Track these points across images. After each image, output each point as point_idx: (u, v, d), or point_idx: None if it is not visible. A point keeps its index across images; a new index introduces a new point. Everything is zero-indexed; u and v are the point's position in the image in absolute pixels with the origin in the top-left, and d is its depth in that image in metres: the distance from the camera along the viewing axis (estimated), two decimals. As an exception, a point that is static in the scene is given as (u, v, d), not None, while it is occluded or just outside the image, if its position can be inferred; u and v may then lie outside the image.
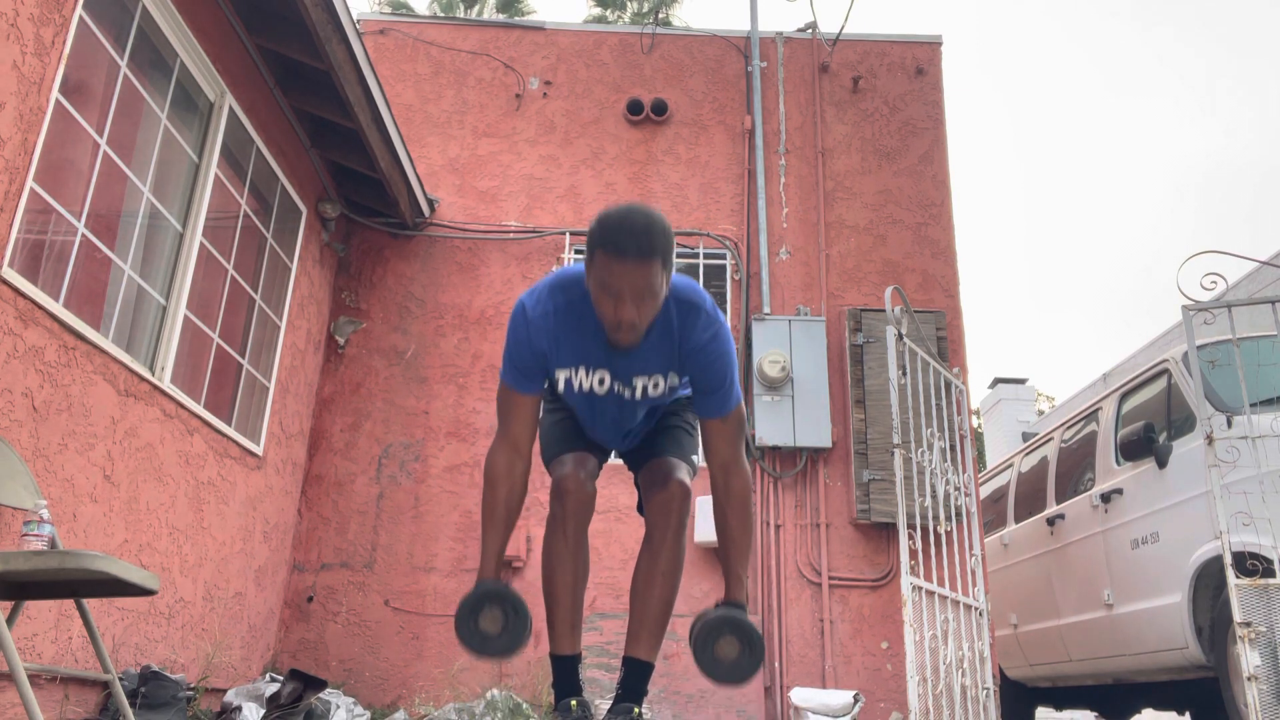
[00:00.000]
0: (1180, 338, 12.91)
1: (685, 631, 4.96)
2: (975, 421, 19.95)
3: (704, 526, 5.19)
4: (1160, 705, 5.69)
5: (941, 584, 4.89)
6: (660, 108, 6.46)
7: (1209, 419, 3.82)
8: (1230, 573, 3.58)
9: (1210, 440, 3.73)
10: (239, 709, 3.92)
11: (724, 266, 6.15)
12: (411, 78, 6.57)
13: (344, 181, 5.87)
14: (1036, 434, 8.49)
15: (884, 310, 5.06)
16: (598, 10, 17.89)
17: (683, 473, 2.19)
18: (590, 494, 2.13)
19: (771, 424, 5.56)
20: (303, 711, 4.02)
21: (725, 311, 5.99)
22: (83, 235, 3.39)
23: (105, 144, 3.51)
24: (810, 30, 6.78)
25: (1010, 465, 6.72)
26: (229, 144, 4.52)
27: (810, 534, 5.49)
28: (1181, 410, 4.50)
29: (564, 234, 6.15)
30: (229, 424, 4.61)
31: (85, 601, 2.86)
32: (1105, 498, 4.98)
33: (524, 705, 4.61)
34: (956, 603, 4.71)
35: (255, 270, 4.91)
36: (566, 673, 2.16)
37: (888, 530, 5.45)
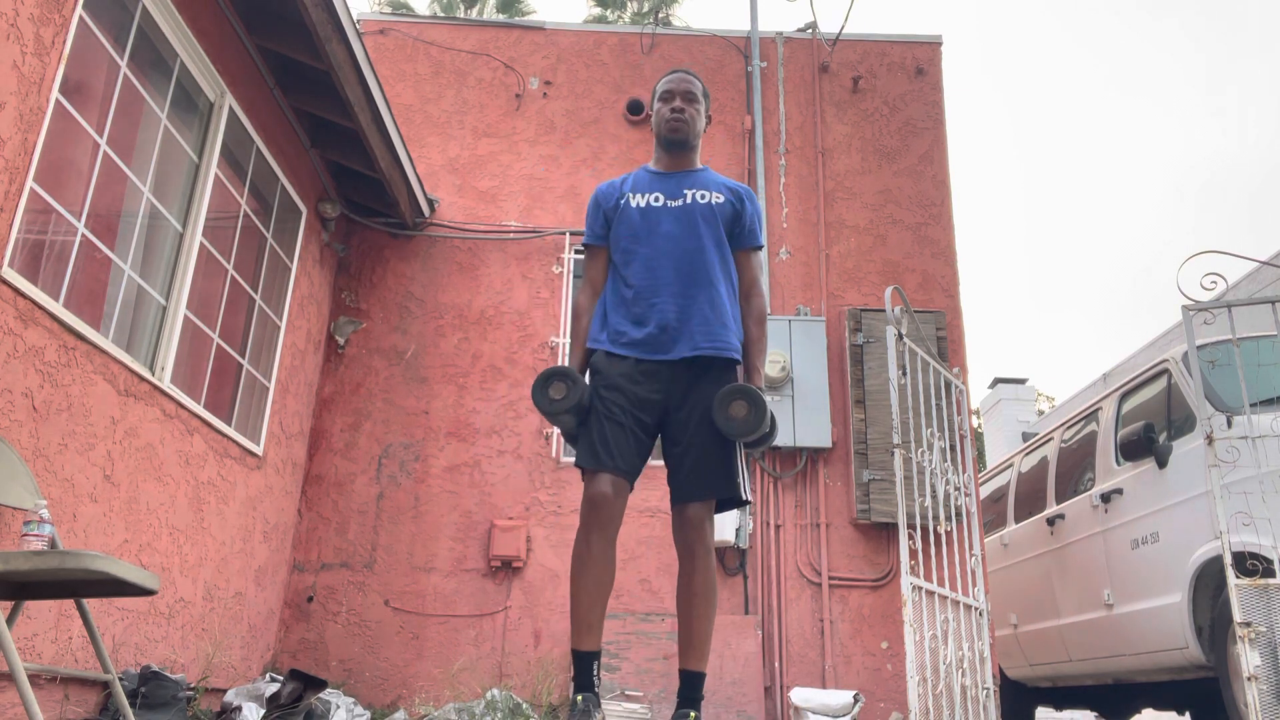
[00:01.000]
0: (1180, 338, 12.91)
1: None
2: (975, 421, 19.95)
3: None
4: (1160, 705, 5.68)
5: (941, 584, 4.90)
6: (660, 108, 6.46)
7: (1209, 419, 3.81)
8: (1230, 573, 3.57)
9: (1210, 440, 3.73)
10: (239, 709, 3.92)
11: (724, 266, 6.14)
12: (411, 78, 6.57)
13: (344, 181, 5.87)
14: (1036, 434, 8.49)
15: (884, 310, 5.06)
16: (598, 10, 17.92)
17: (708, 522, 2.54)
18: (619, 509, 2.47)
19: (771, 424, 5.56)
20: (303, 711, 4.02)
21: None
22: (83, 235, 3.39)
23: (105, 144, 3.51)
24: (810, 30, 6.78)
25: (1010, 465, 6.72)
26: (229, 144, 4.52)
27: (810, 534, 5.49)
28: (1181, 410, 4.50)
29: (564, 234, 6.15)
30: (229, 424, 4.61)
31: (85, 601, 2.86)
32: (1105, 498, 4.98)
33: (524, 705, 4.61)
34: (956, 603, 4.71)
35: (255, 270, 4.91)
36: (583, 666, 2.45)
37: (888, 530, 5.45)
